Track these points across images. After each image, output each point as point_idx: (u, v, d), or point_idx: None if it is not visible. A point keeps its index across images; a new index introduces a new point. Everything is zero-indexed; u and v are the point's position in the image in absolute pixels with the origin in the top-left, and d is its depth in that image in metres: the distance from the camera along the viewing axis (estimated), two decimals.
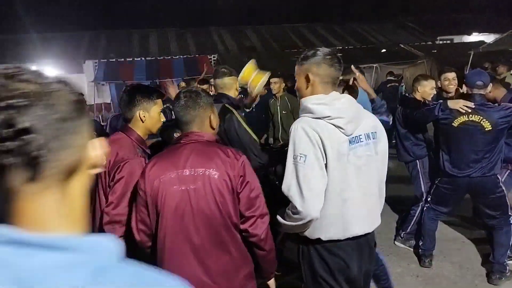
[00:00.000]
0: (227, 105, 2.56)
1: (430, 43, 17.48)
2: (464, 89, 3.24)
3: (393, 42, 16.96)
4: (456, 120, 3.00)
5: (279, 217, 1.82)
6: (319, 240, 1.78)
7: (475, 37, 17.36)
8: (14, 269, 0.52)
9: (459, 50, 13.29)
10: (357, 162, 1.74)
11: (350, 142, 1.73)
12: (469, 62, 9.49)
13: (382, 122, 3.05)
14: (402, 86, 13.07)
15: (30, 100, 0.54)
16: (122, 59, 14.77)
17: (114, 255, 0.59)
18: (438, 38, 18.24)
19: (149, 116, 2.04)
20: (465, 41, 17.43)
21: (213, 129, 1.83)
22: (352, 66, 2.99)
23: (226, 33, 18.02)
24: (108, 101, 13.93)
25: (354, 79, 2.98)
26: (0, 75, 0.55)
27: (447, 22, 19.64)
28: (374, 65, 15.16)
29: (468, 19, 20.08)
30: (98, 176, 1.94)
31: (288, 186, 1.71)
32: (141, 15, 24.96)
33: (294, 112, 4.59)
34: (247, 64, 2.85)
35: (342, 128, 1.71)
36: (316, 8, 26.13)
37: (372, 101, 3.01)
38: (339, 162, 1.70)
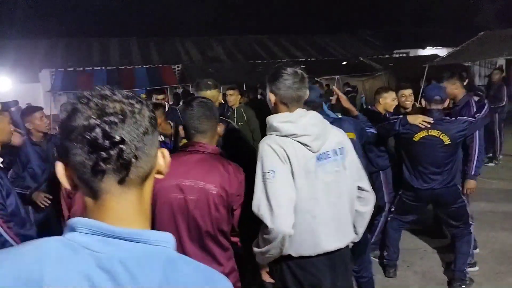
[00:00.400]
0: None
1: (387, 56, 18.30)
2: (423, 102, 3.37)
3: (353, 55, 17.58)
4: (416, 135, 3.08)
5: (254, 249, 1.76)
6: (290, 257, 1.75)
7: (429, 50, 18.34)
8: (103, 257, 0.64)
9: (415, 64, 13.96)
10: (325, 178, 1.73)
11: (317, 158, 1.72)
12: (424, 75, 9.97)
13: (372, 134, 3.16)
14: (362, 97, 13.51)
15: (122, 117, 0.66)
16: (81, 68, 14.28)
17: (173, 247, 0.72)
18: (395, 51, 19.15)
19: None
20: (420, 54, 18.36)
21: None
22: (334, 87, 3.06)
23: (190, 43, 17.93)
24: None
25: (337, 99, 3.04)
26: (97, 96, 0.67)
27: (403, 36, 20.65)
28: (336, 77, 15.61)
29: (423, 33, 21.22)
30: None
31: (258, 205, 1.65)
32: (101, 23, 24.30)
33: (250, 123, 4.62)
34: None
35: (308, 146, 1.70)
36: (279, 20, 26.61)
37: (355, 117, 3.07)
38: (306, 179, 1.69)
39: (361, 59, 16.67)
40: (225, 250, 1.76)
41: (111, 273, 0.63)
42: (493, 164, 6.80)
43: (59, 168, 0.69)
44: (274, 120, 1.75)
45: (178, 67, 15.43)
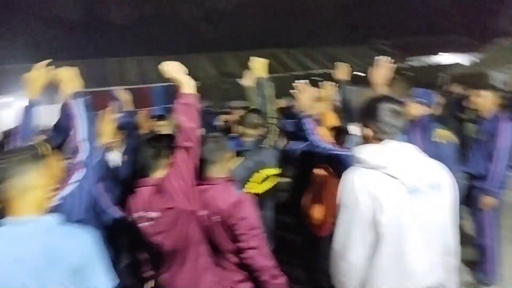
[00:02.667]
0: None
1: (402, 65, 18.10)
2: None
3: (368, 64, 17.45)
4: None
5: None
6: None
7: (444, 57, 18.04)
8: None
9: (431, 72, 13.77)
10: (417, 213, 1.65)
11: (408, 191, 1.65)
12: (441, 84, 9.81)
13: None
14: None
15: None
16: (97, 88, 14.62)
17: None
18: (410, 59, 18.92)
19: None
20: (436, 61, 18.10)
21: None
22: None
23: (205, 59, 18.15)
24: None
25: None
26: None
27: (418, 43, 20.45)
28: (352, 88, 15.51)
29: (438, 40, 20.96)
30: None
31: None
32: (118, 42, 24.94)
33: None
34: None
35: (397, 178, 1.64)
36: (292, 33, 26.73)
37: None
38: (395, 213, 1.63)
39: None
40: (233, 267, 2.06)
41: None
42: None
43: None
44: (360, 152, 1.76)
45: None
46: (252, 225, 1.98)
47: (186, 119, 1.86)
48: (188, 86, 1.92)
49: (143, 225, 1.98)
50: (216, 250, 2.06)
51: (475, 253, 3.53)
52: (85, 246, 1.44)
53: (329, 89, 3.37)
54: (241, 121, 2.88)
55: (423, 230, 1.66)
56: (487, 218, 3.39)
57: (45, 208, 1.50)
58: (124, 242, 3.82)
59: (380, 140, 1.74)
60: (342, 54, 19.22)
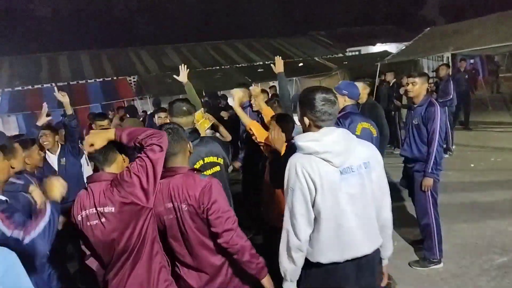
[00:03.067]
0: None
1: (341, 55, 18.82)
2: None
3: (308, 55, 17.92)
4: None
5: (280, 258, 1.98)
6: (318, 264, 1.94)
7: (379, 47, 19.02)
8: None
9: (367, 61, 14.44)
10: (350, 190, 1.89)
11: (341, 172, 1.88)
12: (377, 72, 10.32)
13: None
14: None
15: None
16: (29, 86, 13.56)
17: None
18: (348, 50, 19.72)
19: None
20: (371, 51, 19.04)
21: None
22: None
23: (145, 53, 17.54)
24: (16, 133, 12.62)
25: None
26: None
27: (354, 34, 21.38)
28: (294, 79, 15.85)
29: (373, 30, 22.07)
30: None
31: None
32: (49, 38, 23.22)
33: None
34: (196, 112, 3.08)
35: (330, 161, 1.86)
36: (233, 24, 26.66)
37: None
38: (330, 191, 1.86)
39: (316, 59, 17.03)
40: (213, 252, 2.02)
41: None
42: (447, 156, 7.15)
43: None
44: (298, 140, 1.95)
45: (134, 78, 15.03)
46: (224, 207, 1.99)
47: (142, 132, 1.96)
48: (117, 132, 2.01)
49: (93, 223, 1.90)
50: (188, 240, 2.02)
51: (419, 233, 3.76)
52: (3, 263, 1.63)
53: (256, 89, 3.73)
54: (170, 110, 2.87)
55: (357, 206, 1.91)
56: (427, 199, 3.62)
57: None
58: (71, 249, 3.65)
59: (318, 127, 1.93)
60: (284, 45, 19.57)
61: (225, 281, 2.07)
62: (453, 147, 7.66)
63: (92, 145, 1.96)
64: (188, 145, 2.18)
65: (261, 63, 16.82)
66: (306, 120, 1.95)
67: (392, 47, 17.74)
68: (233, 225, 1.97)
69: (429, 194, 3.58)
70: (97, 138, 1.97)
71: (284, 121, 2.68)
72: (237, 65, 16.61)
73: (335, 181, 1.85)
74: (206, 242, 2.02)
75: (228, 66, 16.30)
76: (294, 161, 1.91)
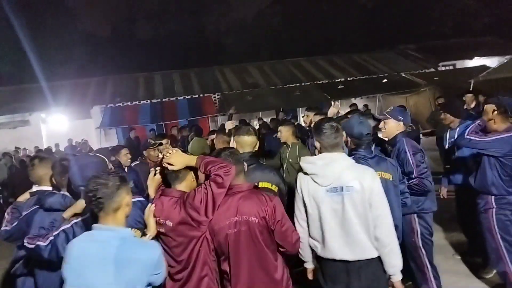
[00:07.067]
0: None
1: (432, 70, 17.52)
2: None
3: (394, 71, 17.05)
4: None
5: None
6: (320, 257, 2.44)
7: (477, 61, 17.33)
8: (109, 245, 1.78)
9: (461, 77, 13.29)
10: (333, 206, 2.31)
11: (327, 190, 2.31)
12: (471, 89, 9.41)
13: None
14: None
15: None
16: (128, 103, 15.06)
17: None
18: (440, 64, 18.23)
19: None
20: (467, 65, 17.44)
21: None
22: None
23: (229, 71, 18.35)
24: (115, 144, 14.10)
25: None
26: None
27: (448, 47, 19.69)
28: (377, 95, 15.22)
29: (469, 43, 20.16)
30: None
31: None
32: (147, 59, 25.70)
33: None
34: None
35: (316, 181, 2.34)
36: (315, 40, 26.58)
37: None
38: (316, 204, 2.34)
39: (403, 74, 16.14)
40: (275, 260, 2.27)
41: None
42: None
43: None
44: (302, 161, 2.45)
45: (218, 95, 15.79)
46: (290, 222, 2.33)
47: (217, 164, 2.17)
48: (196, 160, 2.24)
49: (160, 230, 2.18)
50: (248, 255, 2.21)
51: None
52: (149, 254, 1.83)
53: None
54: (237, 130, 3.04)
55: (339, 218, 2.29)
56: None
57: (124, 222, 1.89)
58: None
59: (322, 151, 2.41)
60: (367, 60, 18.90)
61: None
62: None
63: (171, 164, 2.16)
64: (244, 166, 2.40)
65: (342, 79, 16.50)
66: (317, 145, 2.44)
67: (493, 61, 16.06)
68: (293, 238, 2.31)
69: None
70: (179, 162, 2.19)
71: None
72: (317, 82, 16.51)
73: (319, 196, 2.32)
74: (268, 255, 2.23)
75: (309, 83, 16.28)
76: (299, 179, 2.44)
